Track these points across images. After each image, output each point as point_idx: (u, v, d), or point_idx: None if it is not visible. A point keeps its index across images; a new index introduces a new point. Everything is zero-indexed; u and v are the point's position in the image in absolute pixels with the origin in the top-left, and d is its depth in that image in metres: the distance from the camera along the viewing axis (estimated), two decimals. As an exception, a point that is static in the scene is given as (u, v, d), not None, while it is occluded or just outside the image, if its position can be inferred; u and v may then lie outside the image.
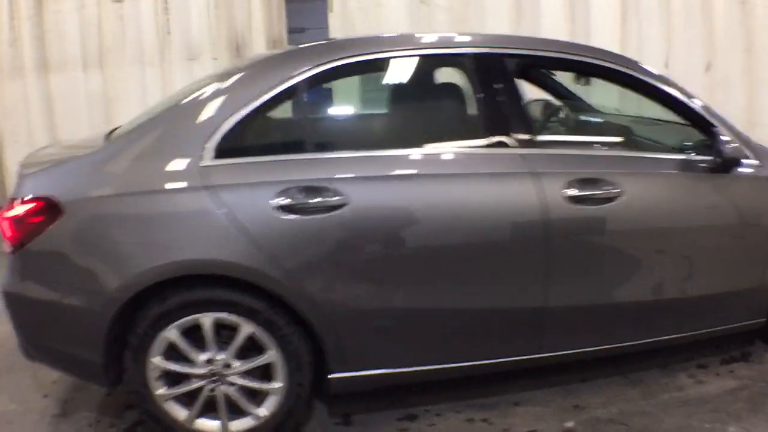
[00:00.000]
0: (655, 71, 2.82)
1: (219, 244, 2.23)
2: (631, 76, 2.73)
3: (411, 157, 2.48)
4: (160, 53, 5.74)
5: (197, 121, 2.36)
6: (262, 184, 2.28)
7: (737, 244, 2.77)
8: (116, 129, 2.84)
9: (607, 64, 2.72)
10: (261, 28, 5.76)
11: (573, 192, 2.45)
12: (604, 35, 5.61)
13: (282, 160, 2.37)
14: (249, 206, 2.25)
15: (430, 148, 2.53)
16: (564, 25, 5.70)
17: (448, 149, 2.55)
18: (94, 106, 5.82)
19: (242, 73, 2.54)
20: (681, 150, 2.75)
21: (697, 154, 2.69)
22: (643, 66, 2.83)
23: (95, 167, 2.36)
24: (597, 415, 2.63)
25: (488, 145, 2.50)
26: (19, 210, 2.30)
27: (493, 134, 2.50)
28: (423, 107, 2.78)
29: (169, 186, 2.29)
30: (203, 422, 2.40)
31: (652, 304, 2.70)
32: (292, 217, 2.24)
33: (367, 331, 2.38)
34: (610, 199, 2.48)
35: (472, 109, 2.60)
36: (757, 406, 2.66)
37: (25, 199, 2.30)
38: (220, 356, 2.33)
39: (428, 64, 2.81)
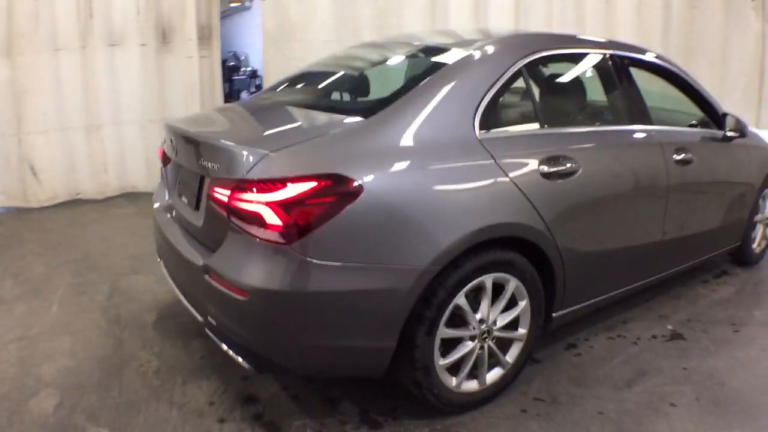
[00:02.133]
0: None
1: (510, 207, 2.51)
2: (682, 78, 3.67)
3: (609, 132, 3.16)
4: (80, 38, 5.21)
5: (462, 99, 2.53)
6: (529, 154, 2.63)
7: (735, 188, 3.91)
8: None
9: (673, 68, 3.63)
10: (192, 13, 5.59)
11: (677, 156, 3.33)
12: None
13: (535, 134, 2.75)
14: (523, 173, 2.56)
15: (616, 127, 3.22)
16: (468, 21, 6.59)
17: (625, 128, 3.22)
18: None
19: (472, 54, 2.72)
20: (697, 126, 3.77)
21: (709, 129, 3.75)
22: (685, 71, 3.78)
23: (371, 142, 2.32)
24: (679, 319, 3.53)
25: (639, 125, 3.25)
26: (295, 191, 2.10)
27: (638, 117, 3.26)
28: (604, 94, 3.34)
29: (462, 156, 2.42)
30: (465, 383, 2.58)
31: (707, 233, 3.73)
32: (548, 181, 2.64)
33: (581, 272, 2.85)
34: (690, 161, 3.41)
35: (625, 98, 3.29)
36: (758, 297, 3.94)
37: (301, 177, 2.11)
38: (490, 315, 2.54)
39: (608, 62, 3.30)
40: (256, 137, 2.52)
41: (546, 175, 2.65)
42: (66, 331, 3.34)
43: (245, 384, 2.81)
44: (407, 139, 2.37)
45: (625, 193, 3.04)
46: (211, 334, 2.49)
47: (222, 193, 2.28)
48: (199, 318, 2.53)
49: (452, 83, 2.57)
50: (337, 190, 2.15)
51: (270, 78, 5.95)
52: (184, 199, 2.78)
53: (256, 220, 2.15)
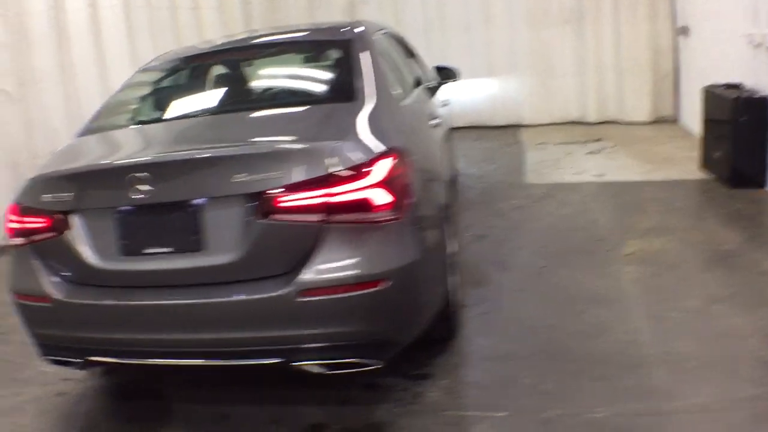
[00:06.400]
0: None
1: None
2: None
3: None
4: None
5: (381, 73, 3.13)
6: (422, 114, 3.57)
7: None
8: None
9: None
10: None
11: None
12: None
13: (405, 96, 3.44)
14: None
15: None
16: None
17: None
18: None
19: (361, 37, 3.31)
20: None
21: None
22: None
23: (379, 118, 2.70)
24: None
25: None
26: (385, 167, 2.35)
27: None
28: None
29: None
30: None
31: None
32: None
33: None
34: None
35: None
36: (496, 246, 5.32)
37: (380, 155, 2.38)
38: None
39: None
40: (293, 136, 2.59)
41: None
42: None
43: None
44: (391, 111, 2.91)
45: None
46: (307, 364, 2.42)
47: (305, 197, 2.28)
48: (273, 361, 2.42)
49: (374, 63, 3.09)
50: (403, 160, 2.48)
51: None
52: (159, 249, 2.47)
53: (364, 206, 2.29)
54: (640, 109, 7.70)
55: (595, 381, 2.67)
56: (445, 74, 4.91)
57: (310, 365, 2.41)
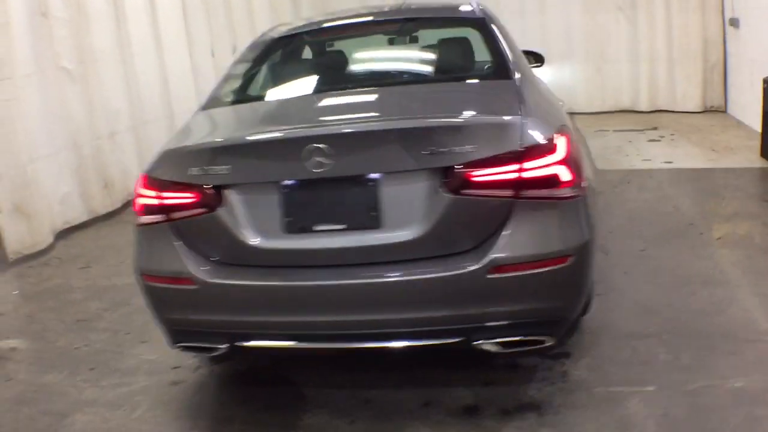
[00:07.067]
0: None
1: None
2: None
3: None
4: None
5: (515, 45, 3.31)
6: None
7: None
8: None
9: None
10: None
11: None
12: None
13: None
14: None
15: None
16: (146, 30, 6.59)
17: None
18: None
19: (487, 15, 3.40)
20: None
21: None
22: None
23: (539, 93, 2.89)
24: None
25: None
26: (564, 144, 2.35)
27: None
28: None
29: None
30: None
31: None
32: None
33: None
34: None
35: None
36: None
37: (546, 139, 2.33)
38: None
39: None
40: (472, 110, 2.57)
41: None
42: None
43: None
44: (541, 90, 3.07)
45: None
46: (489, 344, 2.40)
47: (498, 172, 2.26)
48: (454, 341, 2.40)
49: (508, 41, 3.21)
50: (572, 137, 2.49)
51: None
52: (330, 226, 2.39)
53: (553, 182, 2.28)
54: (690, 98, 7.86)
55: (726, 355, 2.85)
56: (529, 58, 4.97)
57: (490, 344, 2.38)
